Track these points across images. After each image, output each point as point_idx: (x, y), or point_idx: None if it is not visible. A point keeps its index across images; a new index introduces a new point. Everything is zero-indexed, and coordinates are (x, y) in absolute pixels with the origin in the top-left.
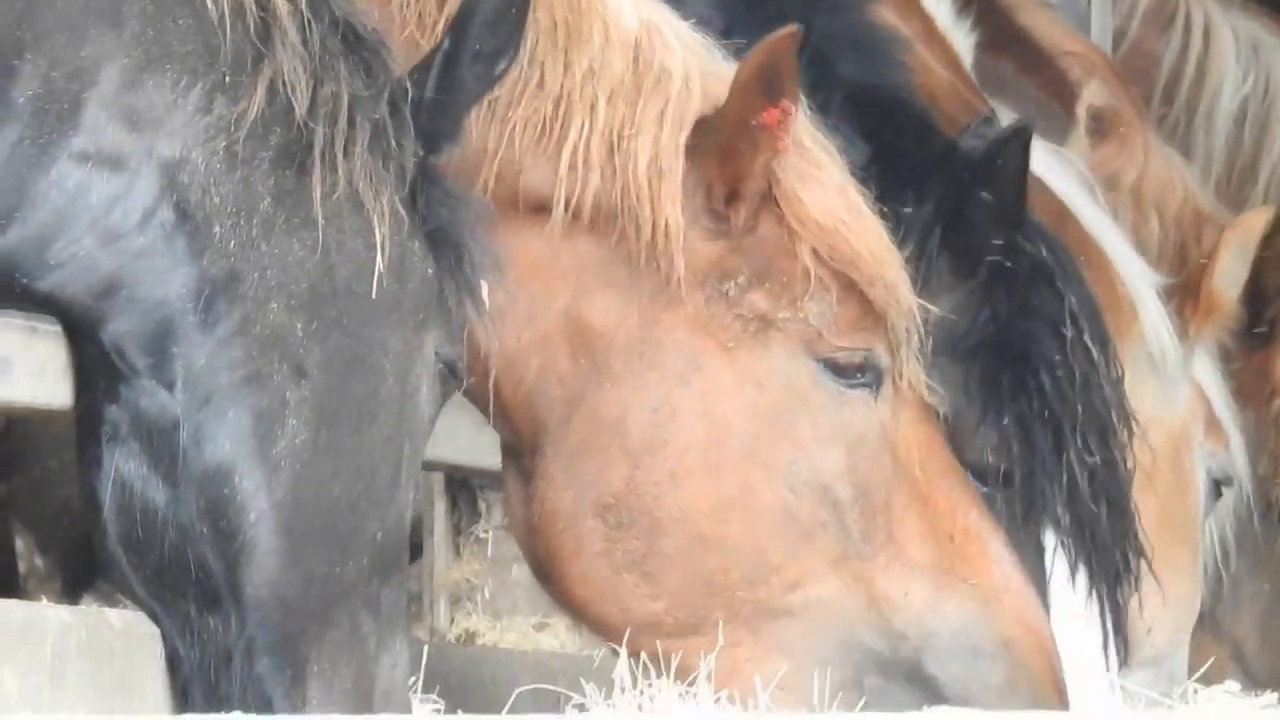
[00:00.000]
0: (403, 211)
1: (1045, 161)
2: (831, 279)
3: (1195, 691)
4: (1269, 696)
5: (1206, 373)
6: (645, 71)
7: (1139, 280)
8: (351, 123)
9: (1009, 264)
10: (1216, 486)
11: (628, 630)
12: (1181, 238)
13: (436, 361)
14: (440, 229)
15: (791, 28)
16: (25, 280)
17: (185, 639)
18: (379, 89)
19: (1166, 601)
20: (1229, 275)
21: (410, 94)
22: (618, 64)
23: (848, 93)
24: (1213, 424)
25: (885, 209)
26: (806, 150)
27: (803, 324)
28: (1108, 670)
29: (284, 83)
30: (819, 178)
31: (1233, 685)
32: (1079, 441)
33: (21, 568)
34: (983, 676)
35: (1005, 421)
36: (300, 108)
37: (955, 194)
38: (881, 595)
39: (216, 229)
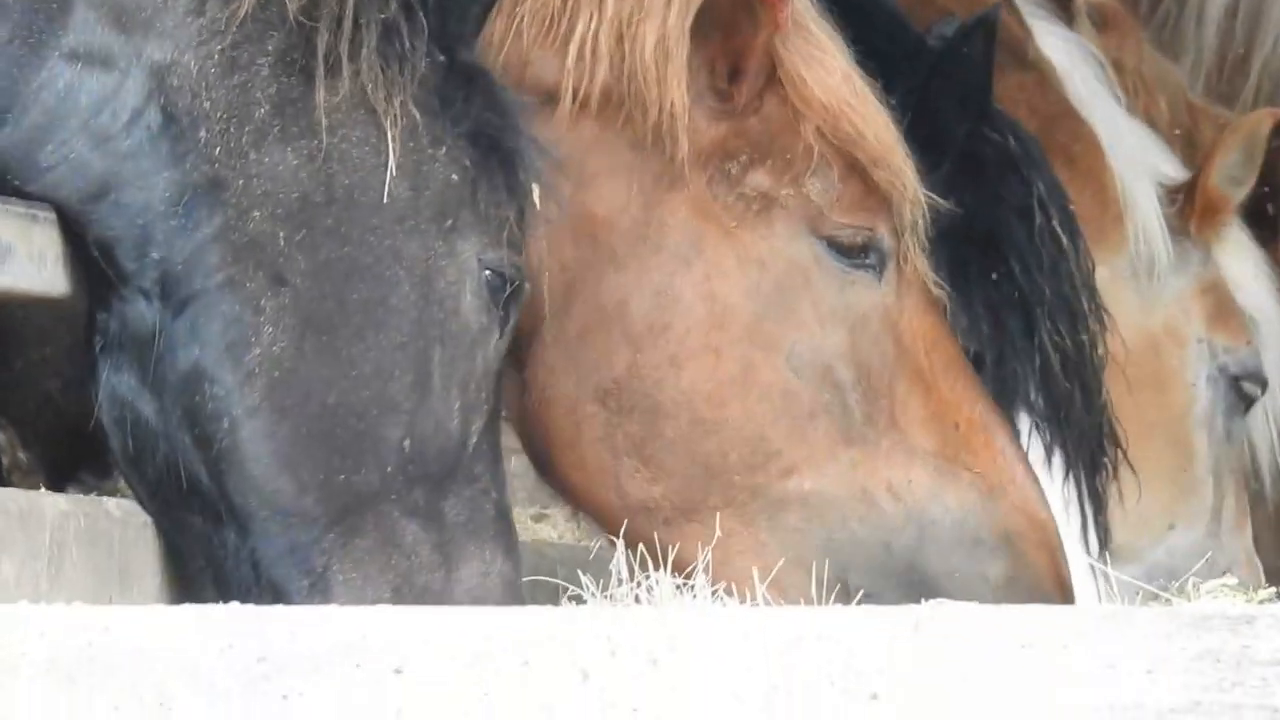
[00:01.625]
0: (418, 115)
1: (1064, 49)
2: (835, 156)
3: (1195, 586)
4: (1267, 590)
5: (1243, 264)
6: None
7: (1135, 180)
8: (357, 23)
9: (975, 152)
10: (1236, 384)
11: (625, 519)
12: (1181, 123)
13: (481, 268)
14: (482, 131)
15: None
16: (17, 183)
17: (197, 550)
18: None
19: (1141, 496)
20: (1228, 173)
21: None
22: None
23: None
24: (1225, 318)
25: None
26: (811, 34)
27: (805, 201)
28: (1089, 554)
29: None
30: (823, 60)
31: (1230, 579)
32: (1049, 324)
33: (4, 461)
34: (983, 569)
35: (975, 306)
36: (293, 6)
37: (921, 85)
38: (883, 482)
39: (202, 133)
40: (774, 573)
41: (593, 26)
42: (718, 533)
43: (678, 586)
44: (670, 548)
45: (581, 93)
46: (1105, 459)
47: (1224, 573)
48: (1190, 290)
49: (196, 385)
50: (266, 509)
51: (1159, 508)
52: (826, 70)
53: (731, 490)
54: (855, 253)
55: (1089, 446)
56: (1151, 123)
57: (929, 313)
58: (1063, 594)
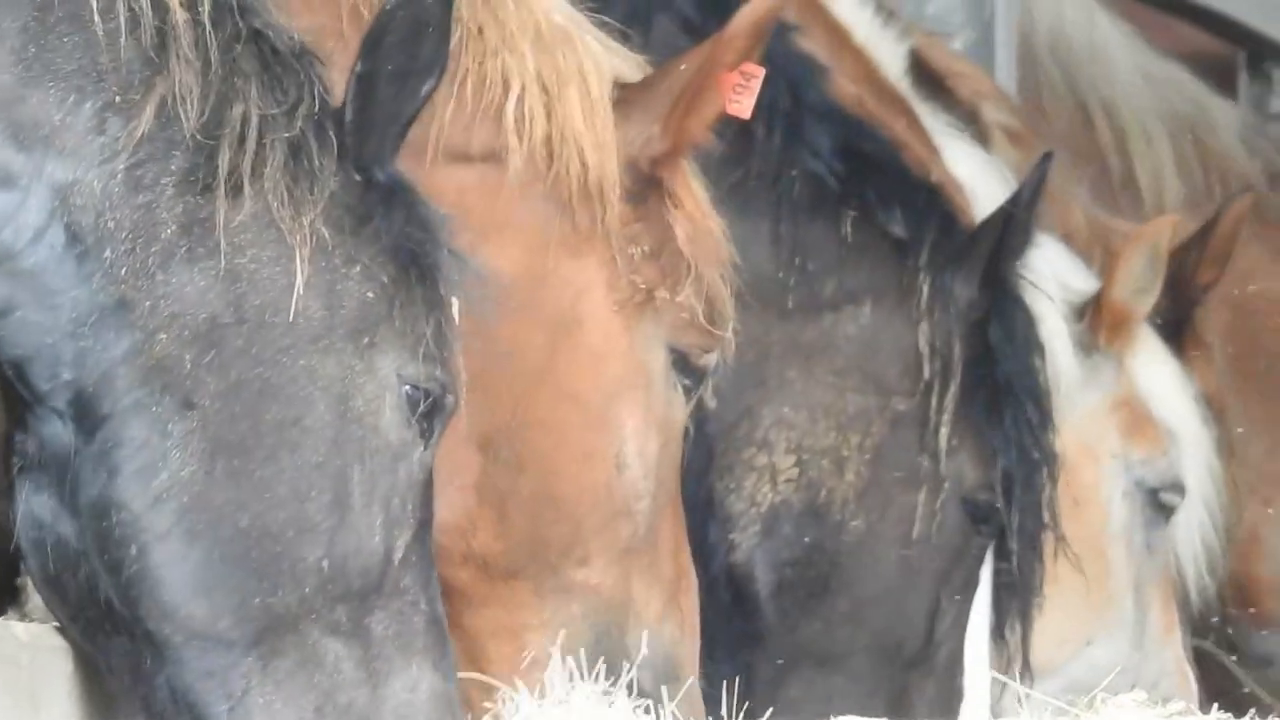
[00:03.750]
0: (329, 233)
1: (972, 167)
2: (706, 275)
3: (1104, 700)
4: (1176, 704)
5: (1158, 374)
6: (557, 35)
7: (1040, 298)
8: (261, 142)
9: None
10: (1155, 495)
11: (459, 567)
12: (1095, 239)
13: (401, 383)
14: (402, 246)
15: None
16: None
17: (123, 671)
18: (294, 106)
19: (1057, 613)
20: (1132, 284)
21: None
22: (530, 24)
23: None
24: (1141, 430)
25: None
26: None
27: (676, 309)
28: (1016, 677)
29: (175, 99)
30: (700, 197)
31: (1139, 694)
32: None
33: None
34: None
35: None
36: (189, 124)
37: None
38: (634, 598)
39: (108, 253)
40: (542, 653)
41: (521, 90)
42: (516, 599)
43: (604, 692)
44: (480, 604)
45: (523, 151)
46: (1038, 579)
47: (1152, 685)
48: (1103, 405)
49: (105, 511)
50: (180, 634)
51: (1076, 624)
52: (702, 201)
53: (544, 565)
54: (690, 372)
55: (1030, 566)
56: (1067, 236)
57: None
58: None
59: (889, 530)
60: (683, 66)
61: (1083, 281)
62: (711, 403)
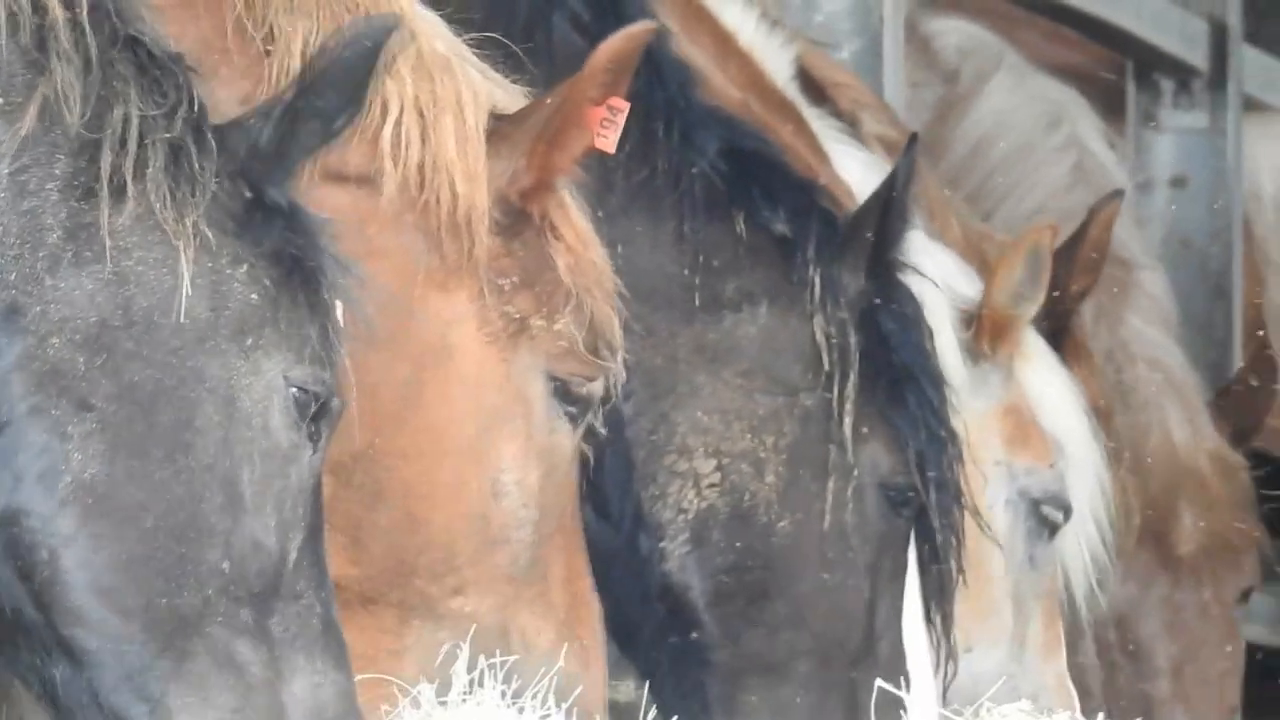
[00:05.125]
0: (213, 235)
1: (861, 173)
2: (588, 304)
3: (989, 710)
4: (1062, 715)
5: (1048, 384)
6: (438, 61)
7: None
8: (142, 143)
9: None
10: (1038, 508)
11: None
12: (974, 248)
13: (288, 385)
14: (284, 250)
15: (649, 23)
16: None
17: (31, 683)
18: (173, 109)
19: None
20: (1013, 291)
21: (248, 138)
22: (412, 49)
23: None
24: (1026, 440)
25: None
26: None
27: (554, 337)
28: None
29: (58, 97)
30: (581, 222)
31: (1025, 704)
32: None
33: None
34: None
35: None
36: (72, 124)
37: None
38: (520, 629)
39: None
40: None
41: (400, 114)
42: (378, 624)
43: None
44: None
45: (398, 176)
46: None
47: (1031, 700)
48: (989, 413)
49: (14, 518)
50: (95, 638)
51: (956, 629)
52: (583, 231)
53: (410, 592)
54: (573, 400)
55: (949, 547)
56: (951, 244)
57: (575, 474)
58: None
59: (816, 528)
60: (548, 100)
61: (972, 289)
62: (627, 409)
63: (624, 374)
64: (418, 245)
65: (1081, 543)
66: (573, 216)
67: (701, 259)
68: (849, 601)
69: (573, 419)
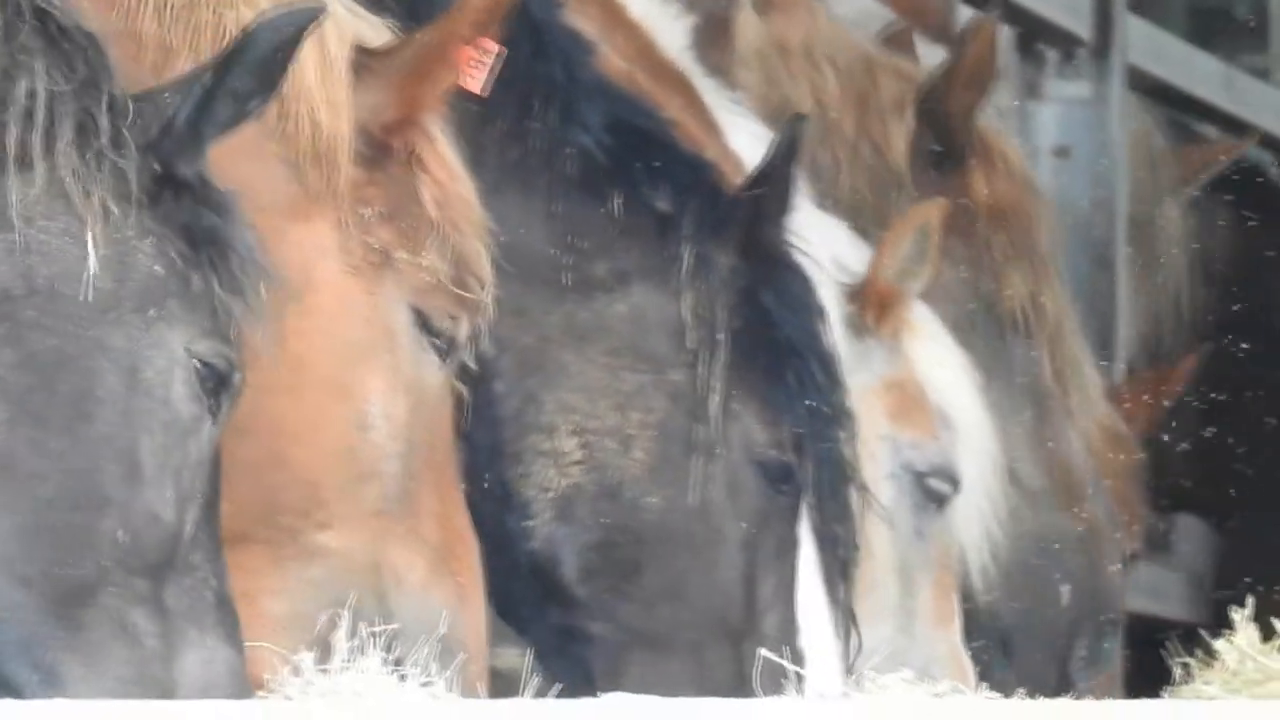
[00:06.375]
0: (117, 208)
1: (753, 145)
2: (455, 238)
3: (871, 680)
4: (944, 684)
5: (936, 360)
6: None
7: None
8: (51, 118)
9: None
10: (923, 480)
11: None
12: (859, 87)
13: (190, 358)
14: (194, 224)
15: None
16: None
17: None
18: (82, 84)
19: None
20: (900, 266)
21: (161, 114)
22: None
23: None
24: (910, 413)
25: None
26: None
27: (417, 270)
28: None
29: None
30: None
31: (906, 673)
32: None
33: None
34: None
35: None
36: None
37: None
38: (391, 564)
39: None
40: (279, 618)
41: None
42: (250, 564)
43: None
44: None
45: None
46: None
47: (921, 672)
48: (873, 387)
49: None
50: None
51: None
52: (452, 164)
53: (277, 529)
54: (438, 333)
55: (839, 523)
56: (820, 98)
57: (449, 410)
58: None
59: (686, 503)
60: (417, 36)
61: (859, 262)
62: (498, 387)
63: (492, 310)
64: (279, 174)
65: (973, 518)
66: (441, 151)
67: (576, 236)
68: (726, 576)
69: (440, 352)
